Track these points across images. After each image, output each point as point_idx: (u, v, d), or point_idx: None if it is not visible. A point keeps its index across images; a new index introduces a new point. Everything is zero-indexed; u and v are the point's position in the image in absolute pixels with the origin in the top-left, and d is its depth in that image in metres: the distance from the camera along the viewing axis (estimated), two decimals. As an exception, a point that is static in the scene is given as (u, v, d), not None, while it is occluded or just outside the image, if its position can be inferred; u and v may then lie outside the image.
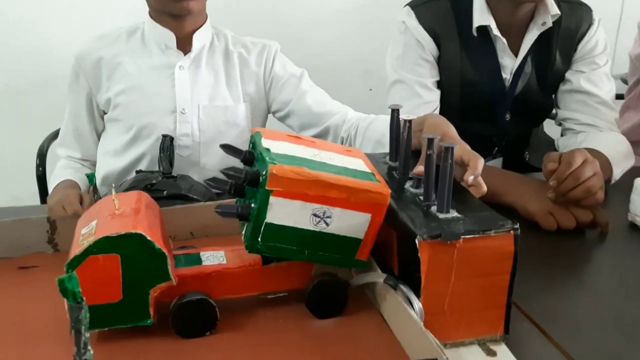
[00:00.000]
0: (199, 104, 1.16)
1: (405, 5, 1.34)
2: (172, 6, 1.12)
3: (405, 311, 0.64)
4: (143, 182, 0.96)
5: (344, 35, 2.19)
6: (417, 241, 0.63)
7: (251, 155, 0.70)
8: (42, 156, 1.42)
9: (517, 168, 1.25)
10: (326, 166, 0.67)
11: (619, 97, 1.69)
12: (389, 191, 0.67)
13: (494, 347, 0.69)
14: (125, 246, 0.63)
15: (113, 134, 1.19)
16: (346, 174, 0.67)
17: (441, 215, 0.69)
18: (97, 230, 0.64)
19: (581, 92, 1.33)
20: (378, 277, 0.70)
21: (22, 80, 2.02)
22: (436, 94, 1.31)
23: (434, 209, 0.71)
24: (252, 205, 0.65)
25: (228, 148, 0.70)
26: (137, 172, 1.06)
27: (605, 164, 1.18)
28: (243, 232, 0.68)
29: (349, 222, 0.67)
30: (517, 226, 0.66)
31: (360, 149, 1.09)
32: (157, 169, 1.08)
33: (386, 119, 1.10)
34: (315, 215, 0.65)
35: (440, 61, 1.31)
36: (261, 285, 0.72)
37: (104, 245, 0.62)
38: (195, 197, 0.99)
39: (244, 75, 1.21)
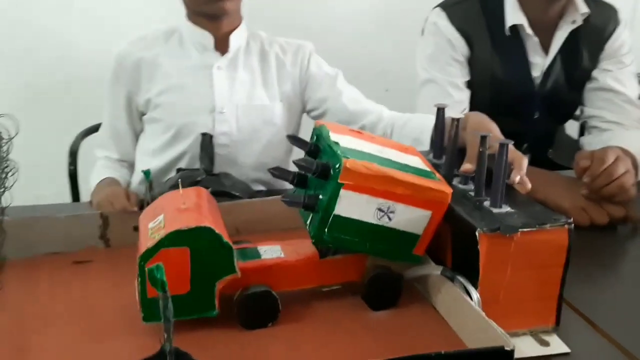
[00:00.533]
0: (237, 104, 1.18)
1: (435, 7, 1.37)
2: (208, 7, 1.14)
3: (464, 301, 0.67)
4: (187, 180, 0.98)
5: (360, 37, 2.21)
6: (477, 234, 0.66)
7: (316, 148, 0.72)
8: (73, 154, 1.43)
9: (541, 165, 1.27)
10: (391, 162, 0.69)
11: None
12: (451, 190, 0.69)
13: (546, 338, 0.71)
14: (195, 239, 0.65)
15: (152, 134, 1.21)
16: (409, 171, 0.69)
17: (495, 210, 0.71)
18: (167, 224, 0.66)
19: (608, 90, 1.35)
20: (434, 269, 0.72)
21: (44, 81, 2.03)
22: (466, 94, 1.33)
23: (486, 204, 0.73)
24: (320, 196, 0.67)
25: (294, 139, 0.72)
26: (178, 170, 1.09)
27: (632, 163, 1.16)
28: (308, 222, 0.70)
29: (410, 218, 0.69)
30: (571, 220, 0.68)
31: None
32: (196, 167, 1.10)
33: (422, 117, 1.13)
34: (379, 209, 0.68)
35: (471, 61, 1.33)
36: (318, 277, 0.75)
37: (175, 238, 0.64)
38: (237, 194, 1.01)
39: (280, 75, 1.24)
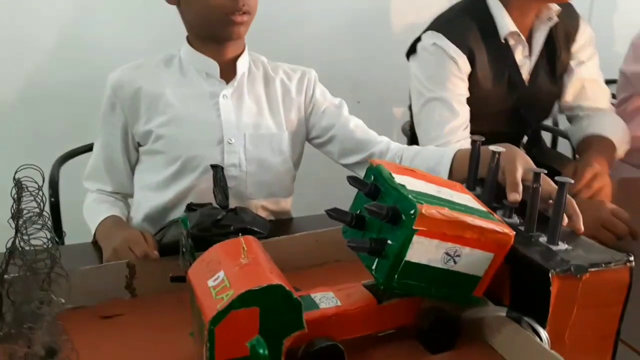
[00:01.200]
0: (245, 133, 1.13)
1: (427, 30, 1.39)
2: (221, 31, 1.09)
3: (535, 343, 0.66)
4: (210, 218, 0.93)
5: (334, 53, 2.20)
6: (550, 275, 0.65)
7: (376, 189, 0.69)
8: (54, 184, 1.34)
9: None
10: (455, 205, 0.67)
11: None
12: (514, 232, 0.68)
13: (604, 373, 0.72)
14: (265, 298, 0.61)
15: (154, 166, 1.14)
16: (473, 212, 0.68)
17: (554, 248, 0.71)
18: (232, 282, 0.62)
19: (583, 80, 1.49)
20: (498, 311, 0.71)
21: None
22: (467, 110, 1.37)
23: (542, 240, 0.73)
24: (389, 241, 0.65)
25: (354, 180, 0.70)
26: (189, 205, 1.02)
27: (611, 147, 1.39)
28: (373, 267, 0.68)
29: (474, 261, 0.68)
30: (632, 258, 0.69)
31: None
32: (205, 201, 1.05)
33: (435, 149, 1.14)
34: (447, 253, 0.66)
35: (471, 75, 1.37)
36: (376, 323, 0.72)
37: (246, 299, 0.60)
38: (258, 230, 0.96)
39: (286, 102, 1.20)
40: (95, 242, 1.05)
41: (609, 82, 2.30)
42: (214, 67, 1.14)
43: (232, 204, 1.05)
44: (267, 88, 1.19)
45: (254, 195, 1.15)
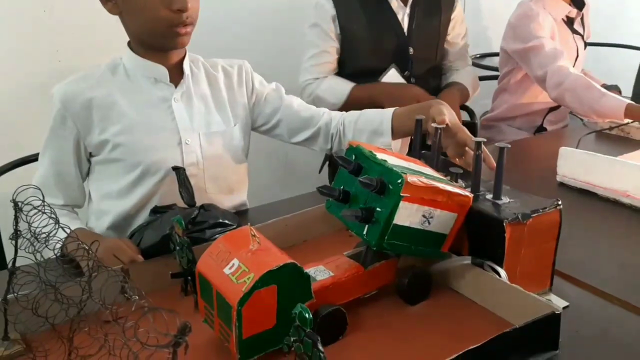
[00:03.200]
0: (199, 133, 1.18)
1: None
2: (168, 41, 1.12)
3: (499, 282, 0.80)
4: (186, 218, 0.97)
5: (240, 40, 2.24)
6: (504, 224, 0.79)
7: (359, 166, 0.80)
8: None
9: None
10: (426, 175, 0.79)
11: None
12: (472, 194, 0.82)
13: (547, 298, 0.88)
14: (281, 276, 0.70)
15: (111, 175, 1.15)
16: (438, 180, 0.80)
17: (500, 202, 0.86)
18: (250, 267, 0.69)
19: (454, 44, 1.95)
20: (463, 260, 0.85)
21: None
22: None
23: (488, 197, 0.87)
24: (377, 209, 0.76)
25: (340, 159, 0.80)
26: (154, 209, 1.06)
27: (466, 90, 1.88)
28: (365, 233, 0.78)
29: (443, 221, 0.81)
30: (560, 202, 0.85)
31: (354, 140, 1.25)
32: (167, 203, 1.09)
33: (375, 110, 1.27)
34: (423, 216, 0.78)
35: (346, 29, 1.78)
36: (364, 286, 0.83)
37: (266, 279, 0.68)
38: (229, 222, 1.03)
39: (231, 98, 1.25)
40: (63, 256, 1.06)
41: (486, 55, 2.58)
42: (163, 72, 1.16)
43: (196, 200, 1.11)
44: (211, 86, 1.24)
45: (212, 190, 1.21)
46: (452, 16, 1.91)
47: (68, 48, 1.82)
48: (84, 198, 1.20)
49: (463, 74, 1.94)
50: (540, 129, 2.02)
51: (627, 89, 2.42)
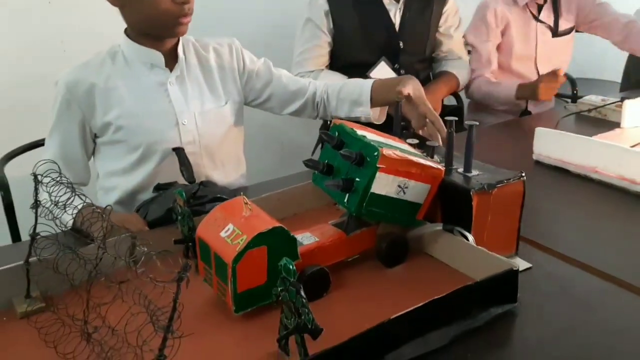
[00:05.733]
0: (195, 112, 1.27)
1: None
2: (171, 31, 1.20)
3: (466, 245, 0.90)
4: (188, 193, 1.06)
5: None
6: (471, 193, 0.89)
7: (341, 142, 0.89)
8: (4, 185, 1.39)
9: None
10: (401, 149, 0.89)
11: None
12: (444, 167, 0.91)
13: (513, 260, 0.97)
14: (271, 238, 0.79)
15: (115, 155, 1.25)
16: (413, 155, 0.89)
17: (470, 175, 0.95)
18: (243, 230, 0.79)
19: (447, 36, 2.04)
20: (436, 226, 0.94)
21: None
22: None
23: (460, 170, 0.97)
24: (357, 179, 0.86)
25: (325, 135, 0.90)
26: (157, 186, 1.15)
27: (453, 79, 1.99)
28: (345, 201, 0.88)
29: (417, 191, 0.90)
30: (524, 174, 0.94)
31: (336, 109, 1.40)
32: (170, 180, 1.18)
33: (356, 81, 1.41)
34: (399, 186, 0.87)
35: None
36: (346, 251, 0.93)
37: (258, 240, 0.78)
38: (226, 197, 1.12)
39: (222, 77, 1.34)
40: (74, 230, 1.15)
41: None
42: (159, 58, 1.25)
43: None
44: (202, 67, 1.32)
45: (209, 166, 1.31)
46: (444, 9, 1.99)
47: (73, 38, 1.90)
48: (89, 176, 1.30)
49: (455, 64, 2.04)
50: (525, 112, 2.11)
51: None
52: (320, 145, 1.99)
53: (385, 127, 1.14)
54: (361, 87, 1.34)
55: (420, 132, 1.20)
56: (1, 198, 1.39)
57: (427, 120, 1.23)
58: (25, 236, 1.38)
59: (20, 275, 0.87)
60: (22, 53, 1.87)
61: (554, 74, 1.87)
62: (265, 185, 1.31)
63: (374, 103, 1.34)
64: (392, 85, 1.28)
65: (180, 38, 1.30)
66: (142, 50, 1.24)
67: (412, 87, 1.23)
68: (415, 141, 1.02)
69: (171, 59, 1.28)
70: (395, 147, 0.89)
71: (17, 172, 1.45)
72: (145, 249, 0.62)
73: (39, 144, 1.52)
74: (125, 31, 1.27)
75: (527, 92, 1.96)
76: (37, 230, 0.86)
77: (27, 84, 1.87)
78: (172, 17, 1.17)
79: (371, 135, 0.91)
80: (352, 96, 1.35)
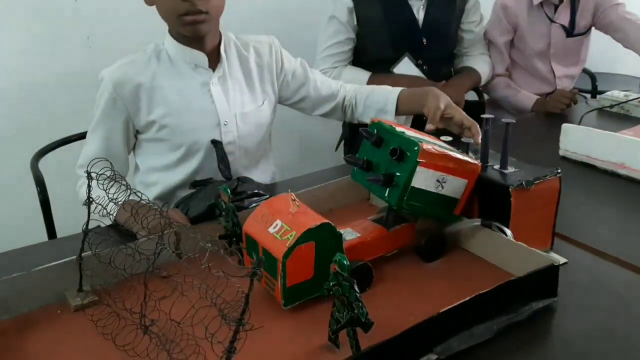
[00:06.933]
0: (236, 113, 1.29)
1: None
2: (183, 29, 1.20)
3: (506, 240, 0.92)
4: (229, 188, 1.09)
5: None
6: (510, 189, 0.91)
7: (380, 139, 0.91)
8: (40, 181, 1.41)
9: None
10: (438, 144, 0.91)
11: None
12: (481, 163, 0.93)
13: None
14: (319, 234, 0.81)
15: (158, 152, 1.27)
16: (450, 150, 0.91)
17: (506, 171, 0.97)
18: (292, 226, 0.81)
19: (468, 32, 2.06)
20: (474, 222, 0.96)
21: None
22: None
23: (496, 167, 0.99)
24: (397, 174, 0.88)
25: (364, 131, 0.92)
26: (194, 182, 1.18)
27: (476, 75, 2.02)
28: (386, 195, 0.90)
29: (455, 186, 0.92)
30: (560, 170, 0.96)
31: (362, 116, 1.44)
32: (208, 177, 1.21)
33: (384, 88, 1.42)
34: (437, 180, 0.90)
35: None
36: (387, 246, 0.95)
37: (307, 236, 0.80)
38: (263, 192, 1.15)
39: (261, 77, 1.36)
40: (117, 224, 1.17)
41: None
42: (202, 59, 1.26)
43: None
44: (243, 67, 1.34)
45: (244, 164, 1.33)
46: (467, 6, 2.00)
47: (99, 35, 1.93)
48: (127, 171, 1.32)
49: (477, 60, 2.07)
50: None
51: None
52: (343, 142, 2.01)
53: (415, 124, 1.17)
54: (387, 97, 1.38)
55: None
56: (37, 194, 1.41)
57: (464, 126, 1.21)
58: (60, 232, 1.41)
59: (69, 271, 0.90)
60: (48, 50, 1.89)
61: (571, 92, 1.92)
62: (295, 181, 1.33)
63: (399, 112, 1.38)
64: (418, 98, 1.31)
65: (222, 37, 1.31)
66: (186, 50, 1.25)
67: (436, 103, 1.23)
68: (449, 138, 1.04)
69: (214, 59, 1.29)
70: (433, 142, 0.91)
71: (49, 168, 1.48)
72: (209, 245, 0.64)
73: (72, 139, 1.54)
74: (169, 31, 1.27)
75: (542, 107, 2.00)
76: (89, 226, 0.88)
77: (55, 80, 1.89)
78: (176, 14, 1.16)
79: (409, 132, 0.93)
80: (378, 105, 1.40)
